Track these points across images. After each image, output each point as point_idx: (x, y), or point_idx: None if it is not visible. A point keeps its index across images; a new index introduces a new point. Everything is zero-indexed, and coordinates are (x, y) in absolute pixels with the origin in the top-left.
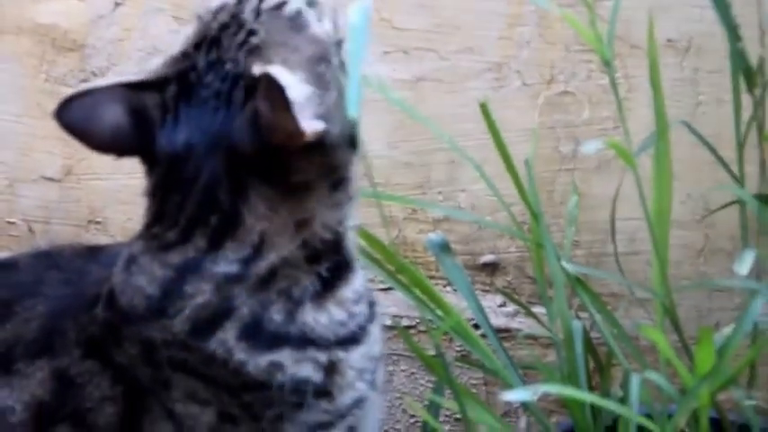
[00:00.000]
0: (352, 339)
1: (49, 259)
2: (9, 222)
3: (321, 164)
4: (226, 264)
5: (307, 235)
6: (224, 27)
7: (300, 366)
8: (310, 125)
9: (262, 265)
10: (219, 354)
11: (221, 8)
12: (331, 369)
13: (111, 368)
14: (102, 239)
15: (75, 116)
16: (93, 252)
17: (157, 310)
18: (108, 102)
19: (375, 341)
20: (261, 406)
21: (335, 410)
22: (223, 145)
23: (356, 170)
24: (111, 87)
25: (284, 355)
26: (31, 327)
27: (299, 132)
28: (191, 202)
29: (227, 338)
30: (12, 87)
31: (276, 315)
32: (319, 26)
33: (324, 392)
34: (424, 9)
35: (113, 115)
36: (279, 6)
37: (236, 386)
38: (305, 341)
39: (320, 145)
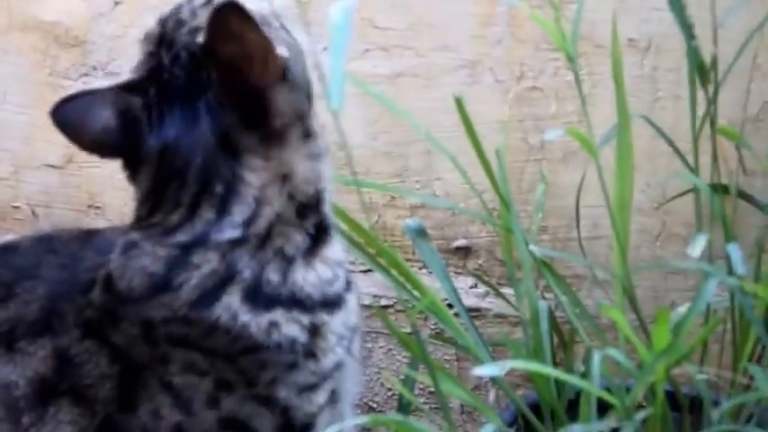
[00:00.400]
0: (334, 303)
1: (48, 243)
2: (14, 207)
3: (291, 104)
4: (231, 229)
5: (291, 188)
6: (174, 27)
7: (291, 326)
8: (279, 48)
9: (261, 224)
10: (223, 320)
11: (166, 18)
12: (315, 332)
13: (109, 348)
14: (100, 223)
15: (67, 117)
16: (88, 237)
17: (161, 285)
18: (97, 105)
19: (352, 311)
20: (257, 369)
21: (320, 372)
22: (208, 121)
23: (321, 127)
24: (101, 91)
25: (278, 315)
26: (31, 308)
27: (271, 48)
28: (191, 181)
29: (231, 302)
30: (17, 80)
31: (273, 275)
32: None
33: (310, 353)
34: (403, 9)
35: (102, 117)
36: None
37: (234, 352)
38: (294, 302)
39: (288, 82)
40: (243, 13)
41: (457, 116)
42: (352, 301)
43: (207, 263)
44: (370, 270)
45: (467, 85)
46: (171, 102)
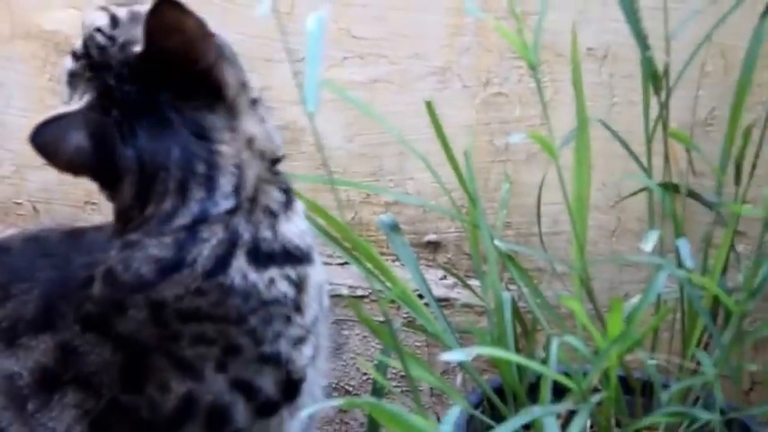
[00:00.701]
0: (310, 255)
1: (38, 244)
2: (16, 203)
3: (235, 76)
4: (224, 200)
5: (259, 149)
6: (100, 53)
7: (283, 282)
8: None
9: (248, 187)
10: (237, 282)
11: (84, 51)
12: (300, 285)
13: (111, 338)
14: (96, 217)
15: (44, 140)
16: (75, 237)
17: (171, 267)
18: (70, 128)
19: (320, 269)
20: (264, 325)
21: (306, 325)
22: (175, 117)
23: (260, 92)
24: (72, 114)
25: (274, 272)
26: (28, 307)
27: (208, 29)
28: (174, 170)
29: (241, 265)
30: (19, 85)
31: (266, 232)
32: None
33: (297, 307)
34: (378, 20)
35: (74, 139)
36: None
37: (246, 311)
38: (285, 255)
39: (226, 57)
40: (176, 5)
41: (428, 120)
42: (318, 260)
43: (214, 235)
44: (346, 263)
45: (437, 91)
46: (134, 114)
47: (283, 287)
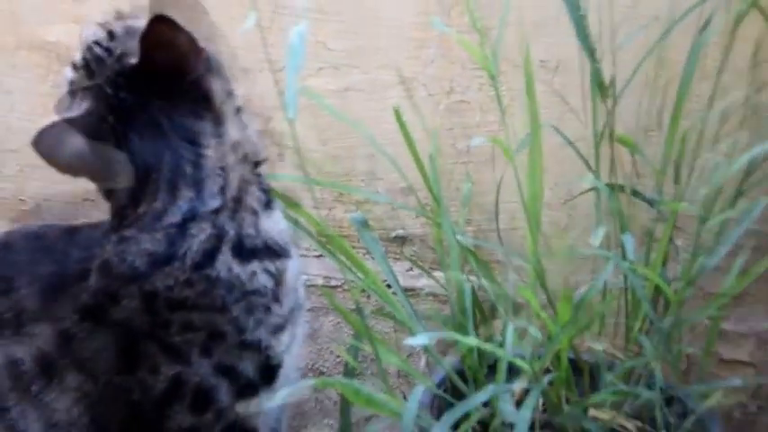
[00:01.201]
0: (288, 251)
1: (37, 241)
2: (20, 200)
3: (222, 86)
4: (212, 200)
5: (243, 152)
6: (99, 64)
7: (263, 275)
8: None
9: (232, 188)
10: (222, 274)
11: (85, 62)
12: (278, 278)
13: (106, 326)
14: (95, 214)
15: (45, 145)
16: (71, 234)
17: (163, 260)
18: (69, 132)
19: (297, 263)
20: (246, 314)
21: (284, 314)
22: (166, 124)
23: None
24: (71, 120)
25: (255, 265)
26: (30, 300)
27: (198, 45)
28: (165, 173)
29: (226, 259)
30: (24, 92)
31: (249, 229)
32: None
33: (276, 298)
34: (351, 34)
35: (73, 144)
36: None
37: (230, 302)
38: (266, 249)
39: (214, 69)
40: (170, 22)
41: (396, 125)
42: (296, 253)
43: (203, 231)
44: (321, 255)
45: (404, 99)
46: (129, 120)
47: (264, 279)
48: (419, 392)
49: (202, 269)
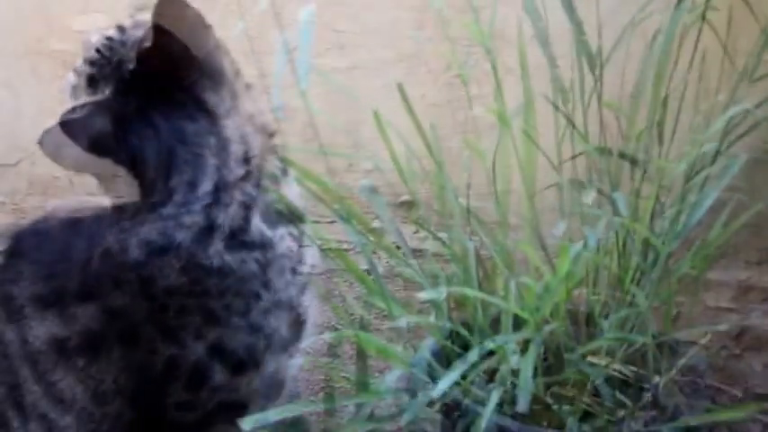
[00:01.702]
0: (304, 215)
1: (42, 235)
2: (55, 177)
3: (230, 64)
4: (238, 167)
5: (260, 123)
6: (101, 69)
7: (252, 264)
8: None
9: (257, 156)
10: (215, 263)
11: (89, 65)
12: (266, 266)
13: (107, 313)
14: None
15: (51, 144)
16: (74, 225)
17: (159, 249)
18: (75, 130)
19: (284, 242)
20: (239, 300)
21: (272, 300)
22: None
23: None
24: (75, 120)
25: (245, 254)
26: (39, 285)
27: (190, 53)
28: (188, 142)
29: (218, 248)
30: (32, 96)
31: (272, 195)
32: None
33: (266, 284)
34: (355, 17)
35: (75, 147)
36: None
37: (222, 288)
38: (289, 215)
39: (220, 47)
40: (165, 32)
41: (399, 99)
42: (283, 240)
43: (234, 200)
44: (334, 221)
45: (406, 75)
46: (128, 121)
47: (253, 267)
48: (429, 343)
49: (196, 258)
